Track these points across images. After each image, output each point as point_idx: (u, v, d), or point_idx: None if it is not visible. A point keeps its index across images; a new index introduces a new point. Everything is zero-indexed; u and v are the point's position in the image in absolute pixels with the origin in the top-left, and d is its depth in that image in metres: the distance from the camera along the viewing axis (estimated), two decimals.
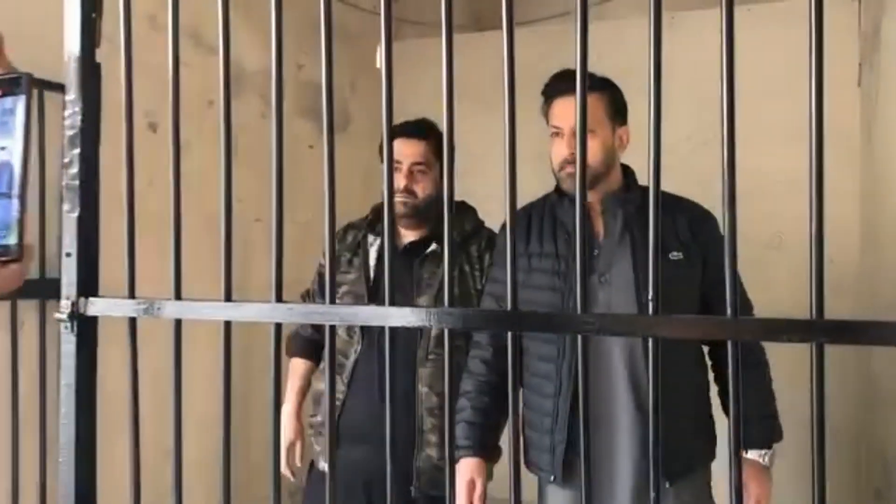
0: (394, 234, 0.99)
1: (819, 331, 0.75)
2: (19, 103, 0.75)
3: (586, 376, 0.89)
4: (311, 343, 2.24)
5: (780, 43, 2.66)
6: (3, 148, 0.75)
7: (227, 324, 0.99)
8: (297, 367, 2.25)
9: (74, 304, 1.02)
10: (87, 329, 1.03)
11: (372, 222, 2.19)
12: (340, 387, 2.09)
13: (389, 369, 0.96)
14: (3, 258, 0.75)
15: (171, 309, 1.00)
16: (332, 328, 0.99)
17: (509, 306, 0.89)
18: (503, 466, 1.89)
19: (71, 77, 1.04)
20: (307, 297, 2.28)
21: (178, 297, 1.01)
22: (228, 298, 0.99)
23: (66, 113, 1.03)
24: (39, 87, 2.01)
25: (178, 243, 1.03)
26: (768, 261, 3.02)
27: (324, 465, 2.15)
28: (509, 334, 0.91)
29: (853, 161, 3.06)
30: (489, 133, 2.22)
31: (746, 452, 1.78)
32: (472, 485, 1.85)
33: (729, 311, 0.80)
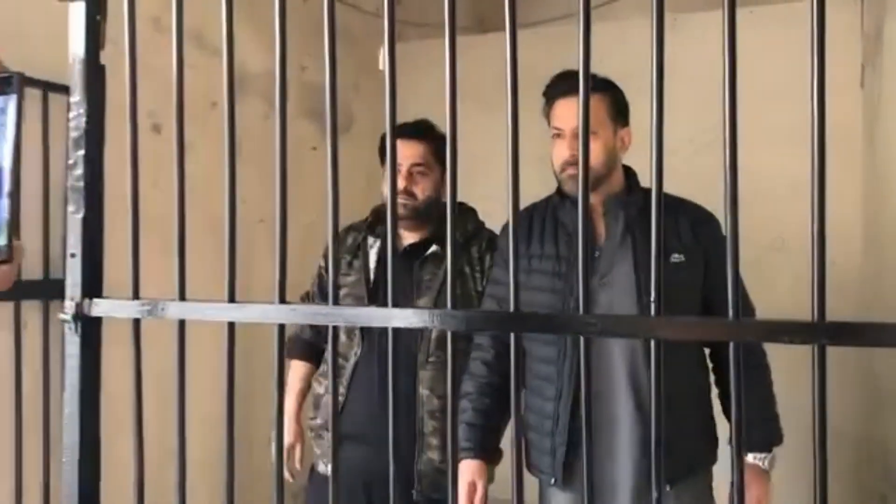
0: (395, 239, 0.99)
1: (820, 332, 0.75)
2: (10, 103, 0.75)
3: (589, 378, 0.89)
4: (311, 346, 2.24)
5: (782, 45, 2.66)
6: None
7: (231, 325, 1.00)
8: (296, 370, 2.25)
9: (78, 305, 1.02)
10: (91, 330, 1.04)
11: (372, 224, 2.18)
12: (340, 389, 2.10)
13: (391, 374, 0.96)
14: None
15: (175, 310, 1.01)
16: (336, 330, 0.99)
17: (511, 307, 0.89)
18: (504, 468, 1.89)
19: (75, 79, 1.04)
20: (307, 299, 2.28)
21: (181, 298, 1.02)
22: (232, 299, 0.99)
23: (71, 115, 1.04)
24: (43, 89, 2.02)
25: (182, 244, 1.03)
26: (770, 263, 3.01)
27: (324, 468, 2.14)
28: (511, 336, 0.91)
29: (855, 163, 3.06)
30: (490, 134, 2.23)
31: (746, 456, 1.78)
32: (472, 487, 1.85)
33: (731, 312, 0.80)
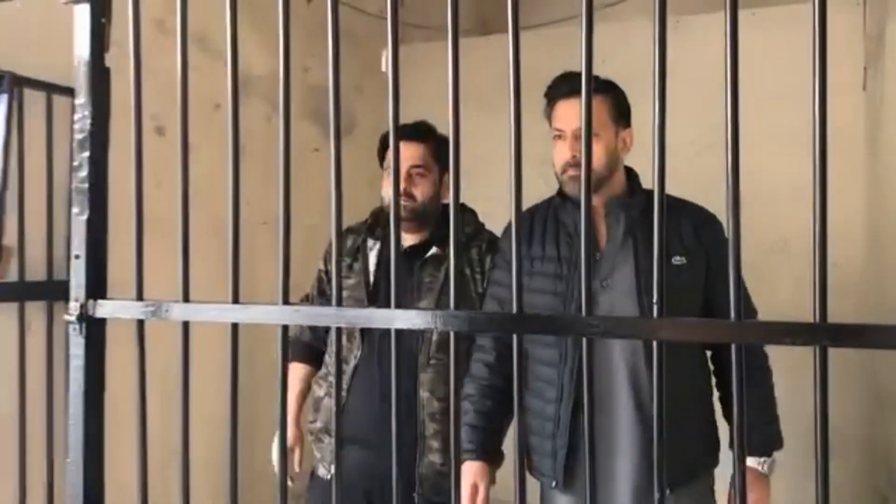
0: (398, 239, 0.99)
1: (821, 334, 0.76)
2: (1, 102, 0.76)
3: (591, 379, 0.89)
4: (310, 348, 2.23)
5: (784, 47, 2.66)
6: None
7: (235, 326, 1.00)
8: (295, 372, 2.24)
9: (83, 306, 1.03)
10: (95, 331, 1.04)
11: (371, 226, 2.16)
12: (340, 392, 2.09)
13: (391, 375, 0.96)
14: None
15: (179, 311, 1.01)
16: (340, 331, 1.00)
17: (514, 309, 0.89)
18: (506, 471, 1.89)
19: (81, 81, 1.05)
20: (306, 302, 2.28)
21: (185, 299, 1.02)
22: (236, 301, 1.00)
23: (76, 117, 1.04)
24: (48, 91, 2.03)
25: (186, 246, 1.04)
26: (773, 265, 3.01)
27: (324, 472, 2.14)
28: (514, 337, 0.91)
29: (858, 165, 3.06)
30: (490, 135, 2.24)
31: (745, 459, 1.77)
32: (475, 489, 1.84)
33: (732, 314, 0.80)
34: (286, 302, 0.98)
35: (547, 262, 1.83)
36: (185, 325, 1.02)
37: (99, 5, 1.04)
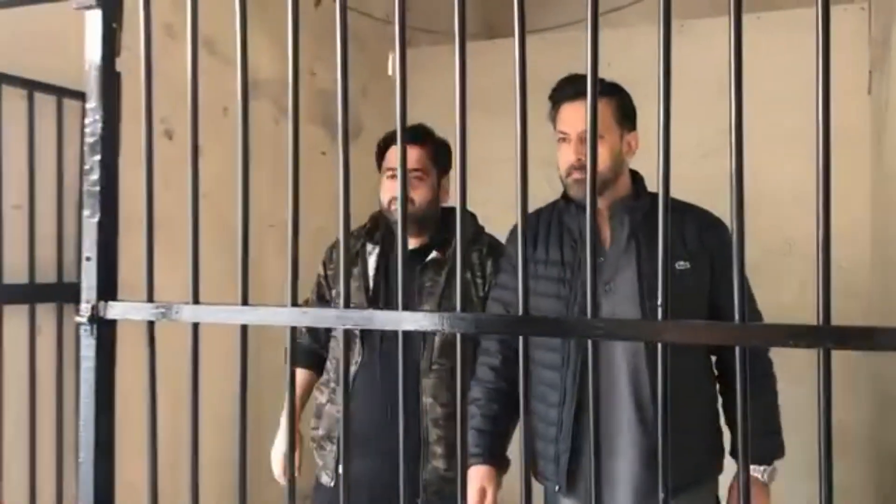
0: (405, 241, 1.00)
1: (825, 336, 0.76)
2: None
3: (597, 382, 0.89)
4: (311, 353, 2.21)
5: (789, 50, 2.67)
6: None
7: (244, 327, 1.01)
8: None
9: (94, 308, 1.04)
10: (106, 332, 1.05)
11: (370, 231, 2.15)
12: (342, 399, 2.09)
13: (393, 381, 0.97)
14: None
15: (189, 313, 1.02)
16: (347, 334, 1.00)
17: (520, 311, 0.89)
18: (510, 475, 1.89)
19: (92, 85, 1.06)
20: (305, 307, 2.27)
21: (195, 300, 1.03)
22: (245, 302, 1.01)
23: (87, 121, 1.05)
24: (58, 95, 2.05)
25: (196, 249, 1.05)
26: (778, 267, 3.01)
27: (327, 480, 2.13)
28: (520, 338, 0.91)
29: (863, 168, 3.06)
30: (491, 138, 2.24)
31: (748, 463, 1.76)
32: (482, 493, 1.83)
33: (737, 316, 0.81)
34: (294, 304, 0.99)
35: (551, 266, 1.83)
36: (195, 326, 1.03)
37: (110, 10, 1.06)
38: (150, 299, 1.05)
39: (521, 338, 0.91)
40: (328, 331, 2.18)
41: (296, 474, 2.16)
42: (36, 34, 2.00)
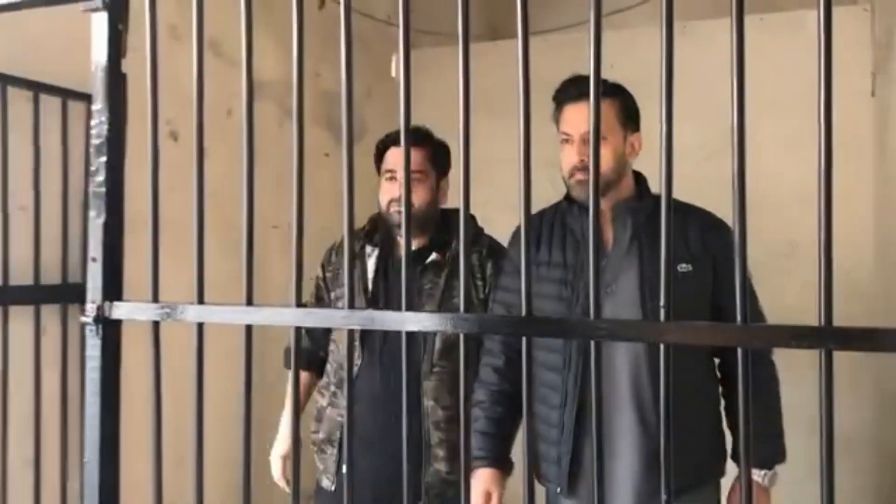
0: (409, 242, 1.00)
1: (827, 337, 0.76)
2: None
3: (599, 383, 0.89)
4: (310, 354, 2.21)
5: (792, 52, 2.67)
6: None
7: (249, 328, 1.02)
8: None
9: (99, 308, 1.05)
10: (111, 332, 1.06)
11: (369, 233, 2.14)
12: (343, 402, 2.09)
13: (393, 384, 0.97)
14: None
15: (194, 313, 1.03)
16: (351, 335, 1.01)
17: (523, 311, 0.89)
18: (515, 478, 1.88)
19: (98, 87, 1.06)
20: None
21: (200, 301, 1.04)
22: (250, 302, 1.01)
23: (93, 122, 1.06)
24: (63, 97, 2.06)
25: (201, 249, 1.05)
26: (781, 269, 3.01)
27: (328, 483, 2.13)
28: (524, 339, 0.92)
29: (866, 170, 3.06)
30: (492, 139, 2.24)
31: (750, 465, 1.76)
32: (487, 496, 1.82)
33: (739, 317, 0.81)
34: (299, 304, 1.00)
35: (553, 268, 1.83)
36: (200, 326, 1.04)
37: (116, 12, 1.06)
38: (156, 299, 1.06)
39: (524, 338, 0.92)
40: (327, 333, 2.18)
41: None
42: (41, 36, 2.01)
